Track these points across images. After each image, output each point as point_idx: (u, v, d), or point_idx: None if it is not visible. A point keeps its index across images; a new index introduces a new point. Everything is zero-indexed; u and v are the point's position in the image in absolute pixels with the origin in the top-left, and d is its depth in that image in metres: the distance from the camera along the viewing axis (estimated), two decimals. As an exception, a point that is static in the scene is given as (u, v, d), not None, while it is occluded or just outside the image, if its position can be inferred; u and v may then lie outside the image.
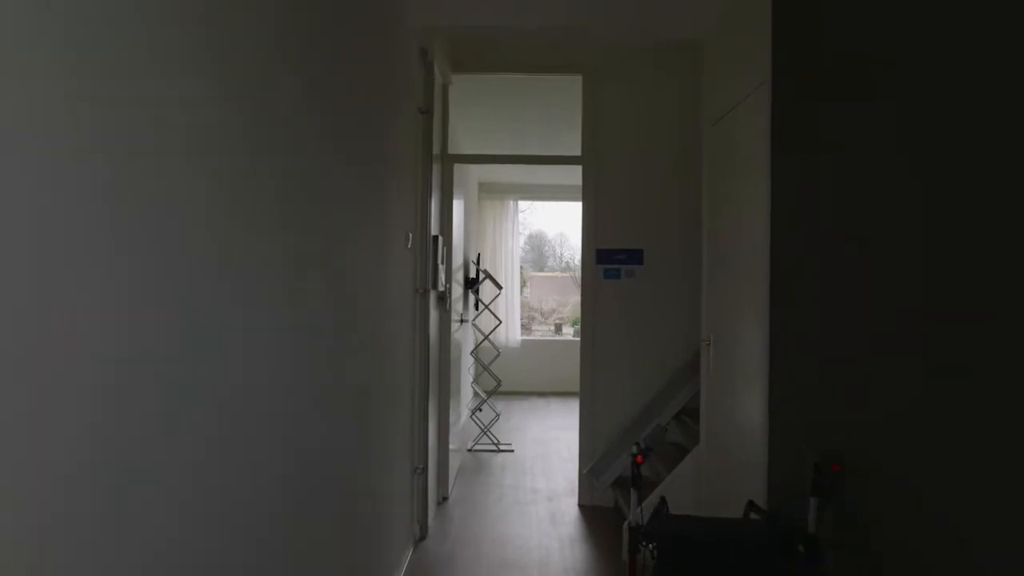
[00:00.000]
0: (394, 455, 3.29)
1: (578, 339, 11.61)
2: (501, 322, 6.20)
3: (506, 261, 9.37)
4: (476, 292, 7.07)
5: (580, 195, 9.42)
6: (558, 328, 24.53)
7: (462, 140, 6.28)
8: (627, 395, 4.64)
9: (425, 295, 3.93)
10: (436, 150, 4.35)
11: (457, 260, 5.40)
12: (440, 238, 4.26)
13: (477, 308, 7.15)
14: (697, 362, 4.52)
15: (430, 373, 4.05)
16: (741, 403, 3.09)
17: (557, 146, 5.46)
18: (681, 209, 4.64)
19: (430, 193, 4.02)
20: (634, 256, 4.66)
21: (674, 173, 4.65)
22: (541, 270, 33.14)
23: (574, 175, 9.38)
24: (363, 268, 2.66)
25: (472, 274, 7.22)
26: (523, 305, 12.46)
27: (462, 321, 5.45)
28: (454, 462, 5.09)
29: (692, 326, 4.61)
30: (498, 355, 6.54)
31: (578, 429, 4.76)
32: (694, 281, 4.56)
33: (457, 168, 5.04)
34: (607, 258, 4.66)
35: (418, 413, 3.89)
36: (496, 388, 6.51)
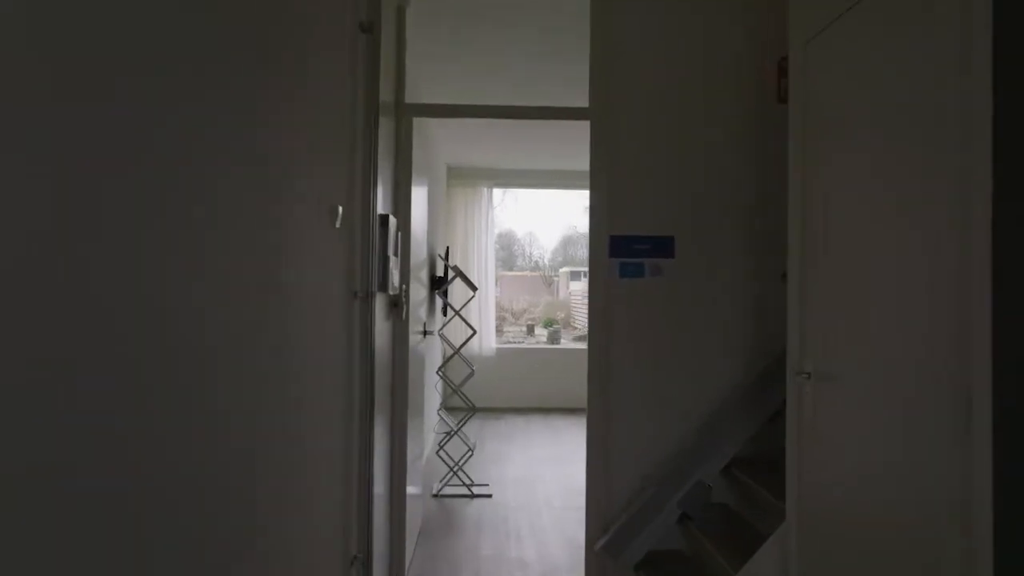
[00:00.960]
0: (306, 546, 1.99)
1: (557, 346, 10.38)
2: (475, 332, 4.92)
3: (479, 258, 8.08)
4: (445, 295, 5.77)
5: (566, 181, 8.19)
6: (530, 329, 23.36)
7: (424, 88, 4.94)
8: (652, 435, 3.37)
9: (368, 300, 2.63)
10: (387, 96, 3.04)
11: (419, 254, 4.10)
12: (393, 220, 2.95)
13: (445, 314, 5.84)
14: (759, 393, 3.28)
15: (375, 409, 2.73)
16: (904, 466, 1.84)
17: (559, 99, 4.15)
18: (734, 183, 3.39)
19: (375, 154, 2.71)
20: (662, 246, 3.39)
21: (724, 131, 3.40)
22: (511, 269, 32.04)
23: (564, 156, 8.24)
24: (238, 254, 1.38)
25: (440, 272, 5.91)
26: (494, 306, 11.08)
27: (426, 333, 4.15)
28: (414, 516, 3.78)
29: (751, 344, 3.38)
30: (471, 375, 5.25)
31: (585, 479, 3.47)
32: (756, 283, 3.34)
33: (424, 145, 3.76)
34: (625, 249, 3.39)
35: (356, 475, 2.59)
36: (468, 417, 5.20)
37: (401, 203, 3.39)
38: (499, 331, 20.74)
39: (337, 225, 2.27)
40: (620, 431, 3.41)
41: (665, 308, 3.40)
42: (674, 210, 3.41)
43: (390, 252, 2.89)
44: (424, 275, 5.27)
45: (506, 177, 8.20)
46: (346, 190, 2.43)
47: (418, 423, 4.12)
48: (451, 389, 5.21)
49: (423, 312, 4.67)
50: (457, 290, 7.68)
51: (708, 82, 3.41)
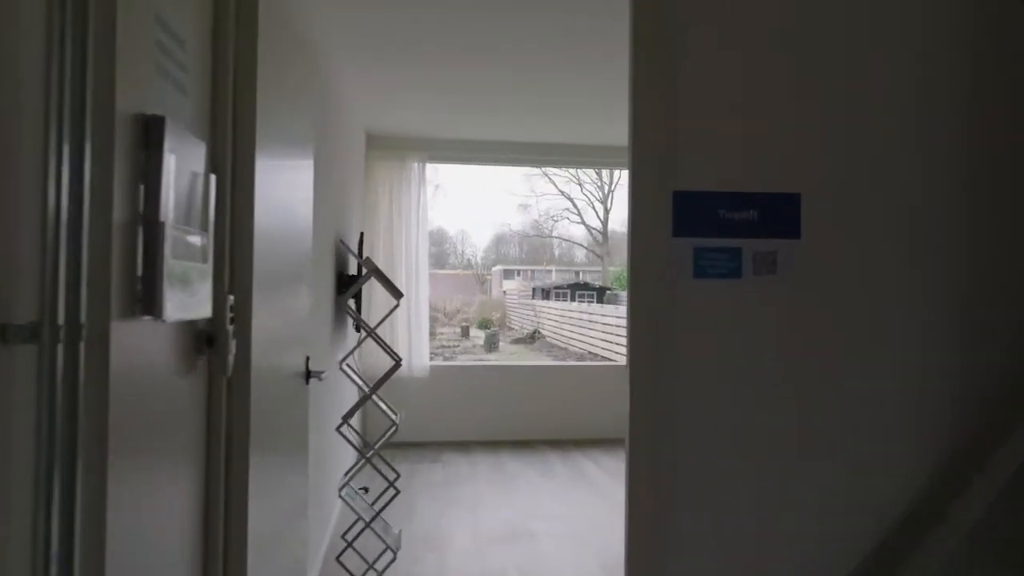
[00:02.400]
0: None
1: (504, 363, 8.60)
2: (398, 363, 3.13)
3: (409, 252, 6.29)
4: (356, 303, 3.99)
5: (517, 155, 6.48)
6: (465, 331, 21.67)
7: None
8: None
9: (49, 345, 0.85)
10: None
11: (302, 242, 2.31)
12: (199, 155, 1.18)
13: (359, 331, 4.04)
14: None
15: None
16: None
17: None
18: (926, 108, 1.80)
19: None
20: (777, 214, 1.78)
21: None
22: (443, 268, 30.11)
23: (517, 124, 6.49)
24: None
25: (353, 270, 4.11)
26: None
27: (310, 377, 2.34)
28: None
29: (957, 397, 1.79)
30: (394, 430, 3.47)
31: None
32: (975, 293, 1.77)
33: (332, 102, 2.03)
34: (704, 219, 1.77)
35: None
36: (377, 515, 3.38)
37: (242, 133, 1.60)
38: (431, 334, 18.92)
39: None
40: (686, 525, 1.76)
41: (785, 337, 1.76)
42: (801, 147, 1.78)
43: (167, 221, 1.11)
44: (328, 277, 3.49)
45: (442, 149, 6.43)
46: None
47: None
48: (361, 454, 3.38)
49: (324, 333, 2.88)
50: (378, 296, 5.87)
51: None
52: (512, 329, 22.11)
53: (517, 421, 6.47)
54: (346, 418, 3.11)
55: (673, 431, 1.80)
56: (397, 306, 3.45)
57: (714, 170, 1.77)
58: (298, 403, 2.18)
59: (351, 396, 4.43)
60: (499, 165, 6.80)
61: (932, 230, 2.01)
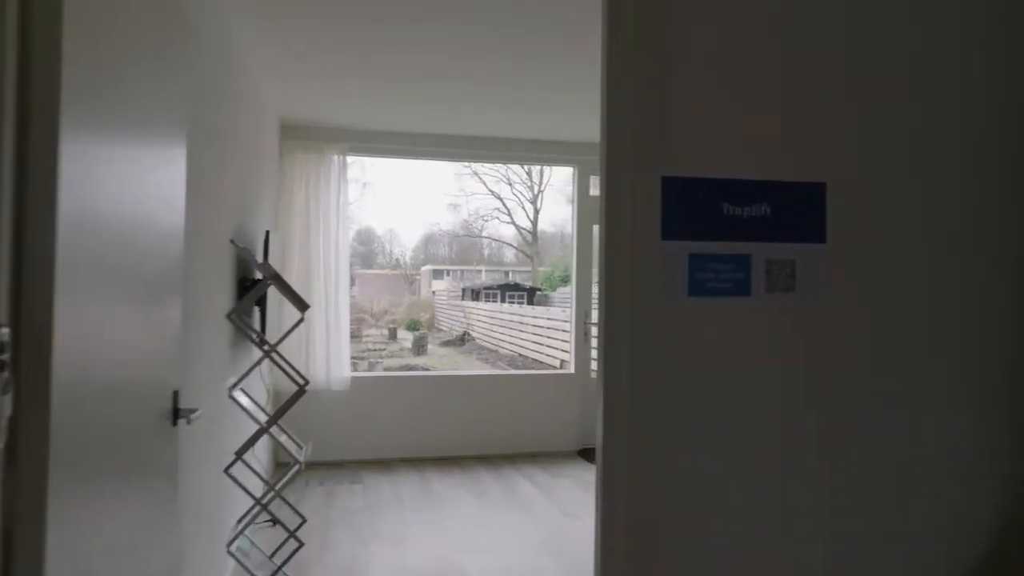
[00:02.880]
0: None
1: (430, 373, 8.09)
2: (304, 389, 2.62)
3: (328, 252, 5.74)
4: (261, 314, 3.47)
5: (447, 149, 6.02)
6: (392, 333, 21.04)
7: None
8: None
9: None
10: None
11: (168, 248, 1.81)
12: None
13: (264, 347, 3.50)
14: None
15: None
16: None
17: None
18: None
19: None
20: (795, 209, 1.38)
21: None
22: (370, 267, 29.35)
23: (444, 116, 6.00)
24: None
25: (267, 273, 3.57)
26: (352, 307, 8.90)
27: (173, 419, 1.83)
28: None
29: None
30: (297, 469, 2.97)
31: None
32: None
33: (237, 83, 1.55)
34: (703, 218, 1.37)
35: None
36: (279, 570, 2.87)
37: (40, 111, 1.10)
38: (357, 337, 18.19)
39: None
40: None
41: (811, 382, 1.38)
42: (829, 120, 1.41)
43: None
44: (225, 286, 2.97)
45: (365, 140, 5.91)
46: None
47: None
48: (256, 500, 2.86)
49: (215, 356, 2.37)
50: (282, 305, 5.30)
51: None
52: (441, 330, 21.58)
53: (445, 436, 6.02)
54: (240, 454, 2.60)
55: (663, 522, 1.39)
56: (301, 320, 2.93)
57: (715, 150, 1.36)
58: (158, 452, 1.68)
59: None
60: (425, 159, 6.33)
61: (1003, 231, 1.58)
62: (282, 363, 3.03)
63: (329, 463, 5.72)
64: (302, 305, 2.89)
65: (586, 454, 6.14)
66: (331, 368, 5.68)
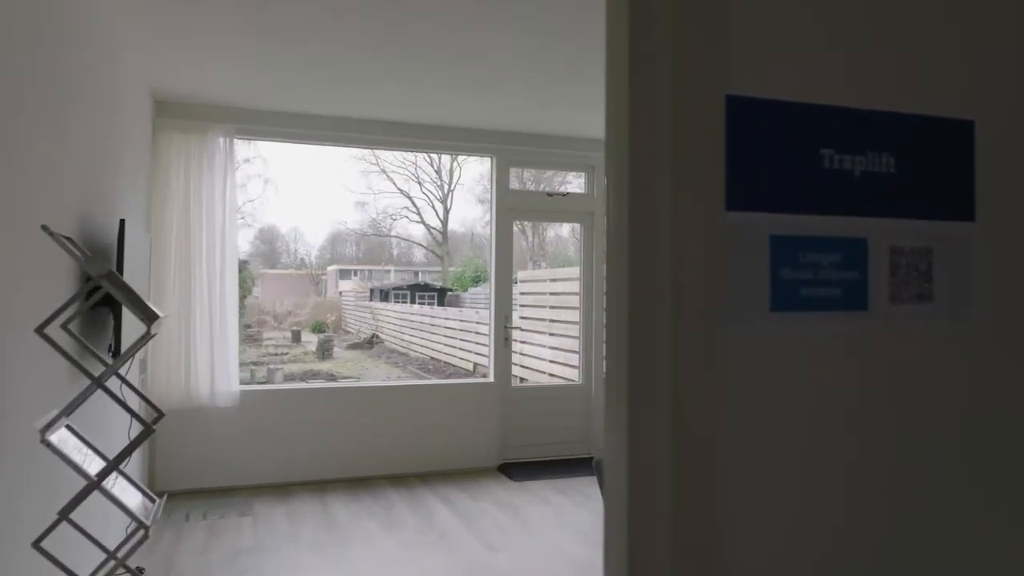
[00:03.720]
0: None
1: (335, 385, 7.38)
2: (152, 428, 1.98)
3: (211, 246, 4.98)
4: (116, 320, 2.76)
5: (354, 133, 5.36)
6: (296, 335, 19.94)
7: None
8: None
9: None
10: None
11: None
12: None
13: (100, 374, 2.77)
14: None
15: None
16: None
17: None
18: None
19: None
20: (933, 170, 0.82)
21: None
22: (274, 267, 27.93)
23: (345, 95, 5.29)
24: None
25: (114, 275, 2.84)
26: (253, 308, 7.98)
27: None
28: None
29: None
30: (141, 536, 2.29)
31: None
32: None
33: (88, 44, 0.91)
34: (801, 175, 0.78)
35: None
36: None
37: None
38: (257, 341, 16.99)
39: None
40: None
41: (967, 452, 0.84)
42: (974, 26, 0.88)
43: None
44: (59, 292, 2.27)
45: (255, 122, 5.17)
46: None
47: None
48: None
49: (25, 377, 1.69)
50: (180, 311, 4.52)
51: None
52: (349, 333, 20.64)
53: (350, 454, 5.36)
54: (64, 515, 1.91)
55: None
56: (148, 335, 2.23)
57: (811, 58, 0.81)
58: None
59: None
60: (326, 144, 5.63)
61: None
62: (116, 396, 2.34)
63: (215, 490, 4.98)
64: (149, 315, 2.22)
65: (507, 469, 5.62)
66: (216, 382, 4.93)
